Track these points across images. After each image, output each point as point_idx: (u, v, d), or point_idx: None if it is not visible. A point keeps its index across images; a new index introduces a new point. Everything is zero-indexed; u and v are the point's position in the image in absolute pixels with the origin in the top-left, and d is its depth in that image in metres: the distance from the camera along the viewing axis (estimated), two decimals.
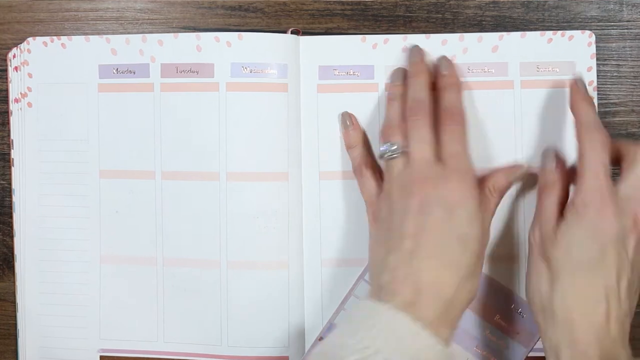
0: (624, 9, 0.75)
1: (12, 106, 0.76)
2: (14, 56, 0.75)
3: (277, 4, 0.76)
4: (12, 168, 0.76)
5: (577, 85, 0.68)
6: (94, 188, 0.75)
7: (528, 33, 0.73)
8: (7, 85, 0.76)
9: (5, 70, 0.76)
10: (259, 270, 0.73)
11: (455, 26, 0.75)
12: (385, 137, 0.69)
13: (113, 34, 0.76)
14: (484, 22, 0.75)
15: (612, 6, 0.75)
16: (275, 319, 0.74)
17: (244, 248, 0.73)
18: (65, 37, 0.75)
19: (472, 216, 0.63)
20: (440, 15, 0.75)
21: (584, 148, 0.64)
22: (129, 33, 0.76)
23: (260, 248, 0.73)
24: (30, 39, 0.75)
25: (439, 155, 0.65)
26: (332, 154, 0.74)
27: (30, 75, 0.75)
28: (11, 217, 0.77)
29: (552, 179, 0.67)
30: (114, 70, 0.74)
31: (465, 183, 0.64)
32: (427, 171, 0.64)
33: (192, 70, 0.73)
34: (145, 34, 0.74)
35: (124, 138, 0.75)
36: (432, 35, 0.73)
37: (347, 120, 0.73)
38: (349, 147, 0.72)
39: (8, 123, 0.76)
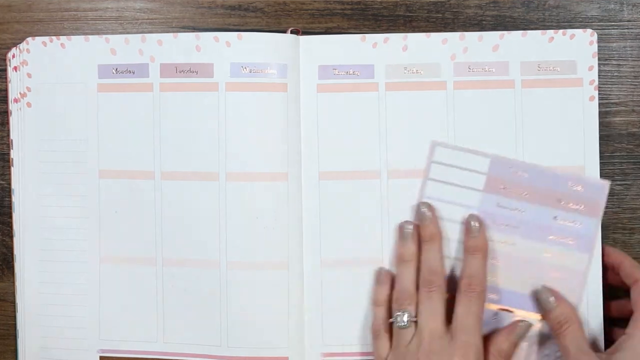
0: (625, 8, 0.75)
1: (12, 106, 0.75)
2: (14, 56, 0.75)
3: (276, 3, 0.76)
4: (12, 168, 0.76)
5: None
6: (94, 188, 0.75)
7: (529, 32, 0.73)
8: (6, 85, 0.76)
9: (5, 70, 0.76)
10: (259, 270, 0.73)
11: (456, 26, 0.75)
12: (397, 304, 0.70)
13: (112, 33, 0.76)
14: (484, 22, 0.75)
15: (612, 6, 0.75)
16: (275, 319, 0.73)
17: (244, 248, 0.73)
18: (65, 37, 0.75)
19: None
20: (441, 15, 0.75)
21: None
22: (128, 33, 0.77)
23: (260, 248, 0.73)
24: (29, 39, 0.75)
25: (450, 323, 0.68)
26: (331, 154, 0.74)
27: (29, 75, 0.75)
28: (11, 217, 0.77)
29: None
30: (113, 70, 0.74)
31: (469, 358, 0.65)
32: (433, 345, 0.66)
33: (191, 70, 0.73)
34: (145, 34, 0.74)
35: (123, 138, 0.75)
36: (432, 34, 0.73)
37: (380, 276, 0.73)
38: (375, 303, 0.72)
39: (7, 123, 0.76)
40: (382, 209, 0.73)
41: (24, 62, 0.75)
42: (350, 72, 0.73)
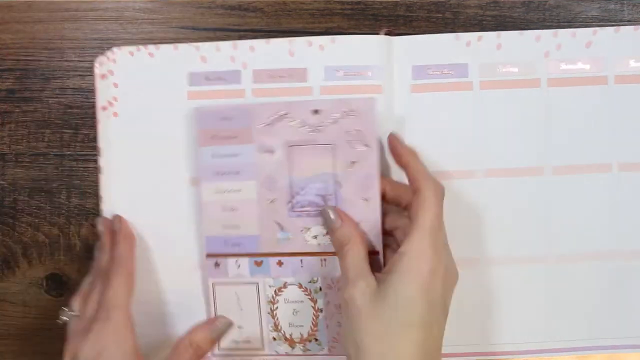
0: (625, 8, 0.76)
1: (99, 114, 0.75)
2: (100, 64, 0.75)
3: (276, 3, 0.77)
4: (101, 176, 0.75)
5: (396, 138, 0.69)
6: (184, 195, 0.75)
7: (622, 27, 0.74)
8: (94, 94, 0.76)
9: (92, 78, 0.76)
10: None
11: (456, 26, 0.76)
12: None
13: (112, 33, 0.77)
14: (484, 22, 0.76)
15: (612, 6, 0.76)
16: None
17: None
18: (152, 46, 0.75)
19: None
20: (441, 15, 0.76)
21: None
22: (127, 32, 0.77)
23: None
24: (115, 49, 0.74)
25: None
26: (428, 155, 0.74)
27: (116, 85, 0.74)
28: (11, 217, 0.78)
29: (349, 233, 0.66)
30: (204, 78, 0.74)
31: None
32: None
33: (284, 75, 0.73)
34: (236, 41, 0.74)
35: None
36: (525, 31, 0.74)
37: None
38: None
39: (94, 128, 0.75)
40: (480, 209, 0.74)
41: (110, 72, 0.74)
42: (445, 72, 0.73)
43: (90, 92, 0.77)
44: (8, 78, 0.78)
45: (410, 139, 0.73)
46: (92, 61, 0.76)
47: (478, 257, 0.74)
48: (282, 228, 0.71)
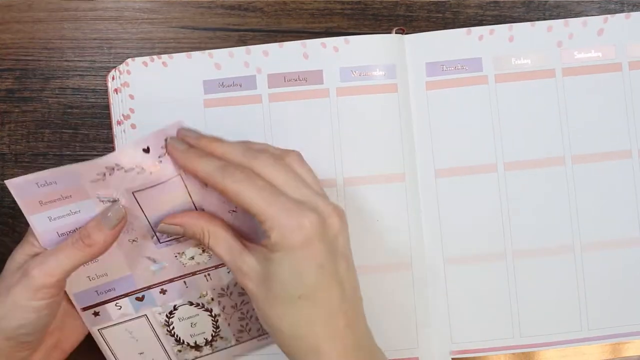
0: (625, 8, 0.77)
1: (115, 129, 0.74)
2: (113, 78, 0.74)
3: (276, 3, 0.76)
4: None
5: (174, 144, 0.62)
6: None
7: (632, 14, 0.74)
8: (109, 107, 0.75)
9: (106, 92, 0.76)
10: (382, 272, 0.74)
11: (456, 26, 0.76)
12: None
13: (112, 33, 0.77)
14: (484, 22, 0.77)
15: (612, 6, 0.77)
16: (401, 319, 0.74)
17: (367, 250, 0.74)
18: (166, 55, 0.74)
19: None
20: (441, 15, 0.77)
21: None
22: (127, 32, 0.77)
23: (382, 250, 0.74)
24: (129, 60, 0.74)
25: None
26: (446, 151, 0.74)
27: (132, 97, 0.74)
28: (10, 217, 0.77)
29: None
30: (219, 85, 0.73)
31: None
32: None
33: (300, 78, 0.73)
34: (249, 46, 0.74)
35: None
36: (536, 22, 0.74)
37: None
38: None
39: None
40: (501, 202, 0.74)
41: (125, 84, 0.74)
42: (459, 67, 0.73)
43: (89, 91, 0.77)
44: (7, 78, 0.77)
45: (429, 137, 0.74)
46: (92, 61, 0.77)
47: (503, 251, 0.75)
48: (154, 260, 0.67)
